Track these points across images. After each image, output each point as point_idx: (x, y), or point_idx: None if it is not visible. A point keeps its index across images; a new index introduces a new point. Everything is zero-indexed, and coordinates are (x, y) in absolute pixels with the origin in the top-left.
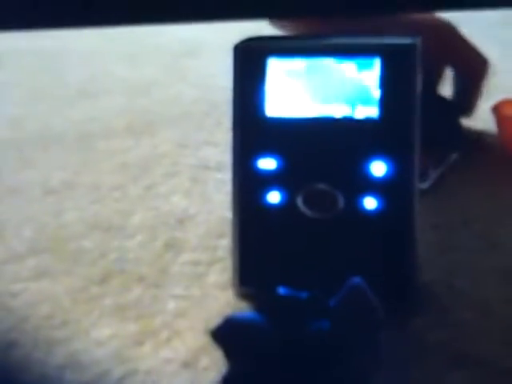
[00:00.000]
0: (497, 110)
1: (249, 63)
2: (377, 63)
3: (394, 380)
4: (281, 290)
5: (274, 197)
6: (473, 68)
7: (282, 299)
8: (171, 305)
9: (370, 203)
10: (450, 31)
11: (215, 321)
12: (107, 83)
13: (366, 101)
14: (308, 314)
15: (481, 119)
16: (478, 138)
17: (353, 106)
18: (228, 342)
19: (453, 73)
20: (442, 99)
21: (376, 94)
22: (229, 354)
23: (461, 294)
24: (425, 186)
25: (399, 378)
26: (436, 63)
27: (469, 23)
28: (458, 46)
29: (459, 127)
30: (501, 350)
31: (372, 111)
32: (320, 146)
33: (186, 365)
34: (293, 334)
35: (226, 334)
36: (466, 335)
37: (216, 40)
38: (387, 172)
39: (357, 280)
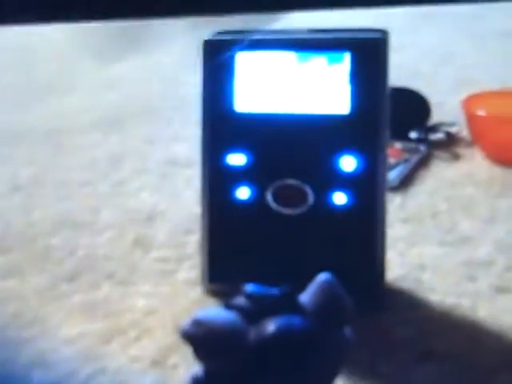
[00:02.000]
0: (465, 105)
1: (218, 57)
2: (347, 58)
3: (361, 375)
4: (249, 287)
5: (243, 192)
6: None
7: (253, 296)
8: (140, 302)
9: (339, 198)
10: None
11: (185, 318)
12: (75, 78)
13: (335, 96)
14: (279, 310)
15: (451, 113)
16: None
17: (322, 101)
18: (197, 341)
19: None
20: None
21: (346, 88)
22: (198, 352)
23: (429, 289)
24: (394, 183)
25: (367, 373)
26: None
27: (439, 16)
28: None
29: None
30: (467, 345)
31: (342, 106)
32: (290, 142)
33: (155, 363)
34: (264, 331)
35: (196, 333)
36: (434, 331)
37: (185, 34)
38: (357, 167)
39: (327, 276)
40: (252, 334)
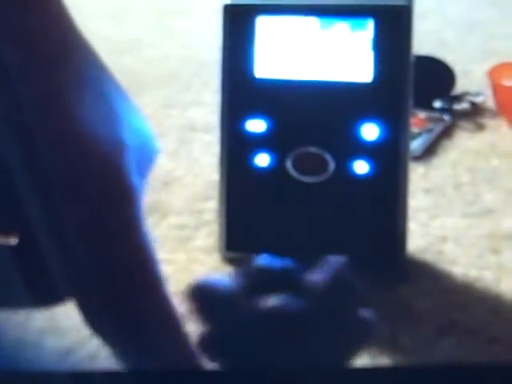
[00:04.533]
0: (490, 75)
1: (238, 22)
2: (370, 24)
3: (381, 347)
4: (260, 259)
5: (262, 159)
6: None
7: (259, 268)
8: None
9: (360, 167)
10: None
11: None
12: (91, 41)
13: (358, 63)
14: (279, 288)
15: (476, 82)
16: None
17: (345, 68)
18: (196, 303)
19: None
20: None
21: (369, 56)
22: (197, 314)
23: (451, 261)
24: (417, 153)
25: (387, 346)
26: None
27: None
28: None
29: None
30: (489, 318)
31: (364, 74)
32: (310, 109)
33: None
34: (259, 306)
35: (194, 296)
36: (456, 303)
37: None
38: (379, 136)
39: (337, 258)
40: (251, 306)
